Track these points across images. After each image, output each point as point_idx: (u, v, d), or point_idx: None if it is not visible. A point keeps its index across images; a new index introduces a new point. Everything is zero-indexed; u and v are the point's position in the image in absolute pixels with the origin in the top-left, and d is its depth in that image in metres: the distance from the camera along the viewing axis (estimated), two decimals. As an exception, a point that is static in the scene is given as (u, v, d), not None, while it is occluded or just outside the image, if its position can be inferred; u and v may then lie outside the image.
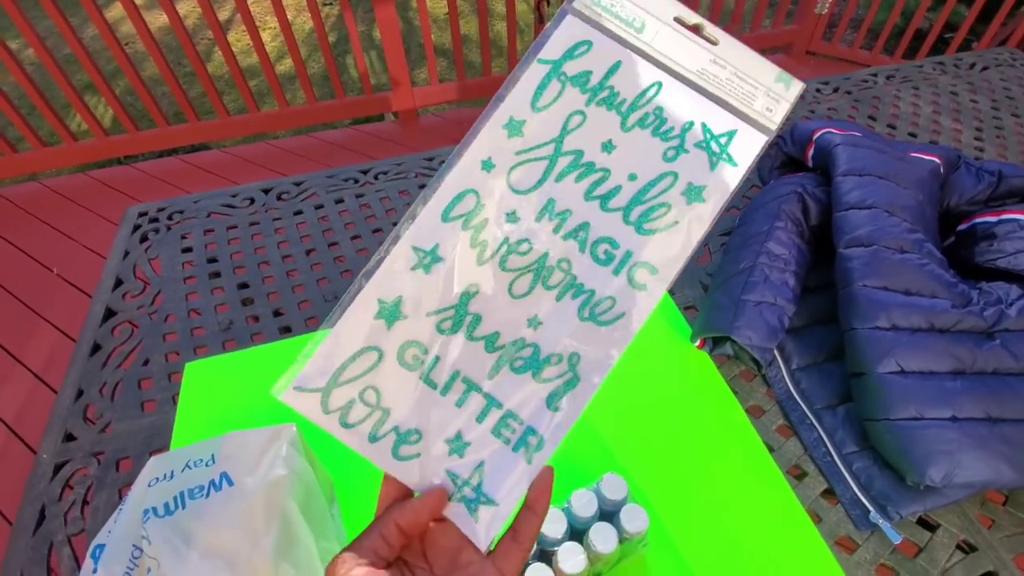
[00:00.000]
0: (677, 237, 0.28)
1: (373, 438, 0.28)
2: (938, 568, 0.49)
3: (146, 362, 0.69)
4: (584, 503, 0.44)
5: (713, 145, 0.29)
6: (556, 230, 0.29)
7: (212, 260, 0.81)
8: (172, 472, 0.44)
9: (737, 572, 0.49)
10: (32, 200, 1.99)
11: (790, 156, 0.78)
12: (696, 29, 0.29)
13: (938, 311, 0.54)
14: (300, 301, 0.74)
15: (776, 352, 0.63)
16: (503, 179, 0.29)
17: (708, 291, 0.68)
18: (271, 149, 2.22)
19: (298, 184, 0.92)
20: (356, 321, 0.28)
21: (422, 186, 0.90)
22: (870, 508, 0.51)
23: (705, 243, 0.79)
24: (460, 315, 0.28)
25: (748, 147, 0.29)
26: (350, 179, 0.92)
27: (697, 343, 0.64)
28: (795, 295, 0.62)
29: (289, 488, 0.43)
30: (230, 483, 0.43)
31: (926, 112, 1.05)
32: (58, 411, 0.64)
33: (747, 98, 0.29)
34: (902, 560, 0.50)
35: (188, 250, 0.82)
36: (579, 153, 0.29)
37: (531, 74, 0.29)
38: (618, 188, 0.29)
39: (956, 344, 0.53)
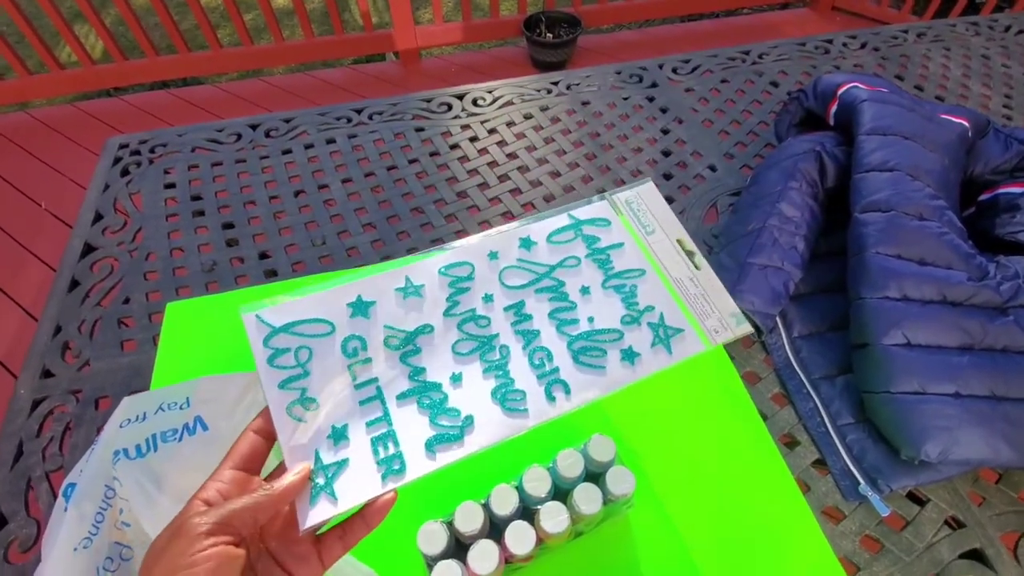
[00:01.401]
0: (599, 380, 0.33)
1: (282, 385, 0.31)
2: (924, 542, 0.49)
3: (126, 300, 0.66)
4: (570, 463, 0.43)
5: (661, 331, 0.35)
6: (513, 324, 0.34)
7: (196, 198, 0.77)
8: (145, 414, 0.43)
9: (721, 537, 0.48)
10: (18, 130, 1.91)
11: (810, 112, 0.73)
12: (689, 254, 0.37)
13: (952, 283, 0.51)
14: (287, 244, 0.71)
15: (778, 319, 0.61)
16: (497, 270, 0.36)
17: (713, 252, 0.65)
18: (266, 86, 2.12)
19: (288, 121, 0.87)
20: (333, 299, 0.33)
21: (419, 129, 0.85)
22: (860, 480, 0.51)
23: (713, 202, 0.76)
24: (408, 339, 0.33)
25: (686, 347, 0.34)
26: (343, 118, 0.87)
27: (697, 306, 0.62)
28: (803, 260, 0.59)
29: None
30: (204, 427, 0.42)
31: (956, 75, 0.99)
32: (36, 347, 0.62)
33: (703, 315, 0.36)
34: (888, 532, 0.49)
35: (171, 186, 0.79)
36: (561, 283, 0.36)
37: (558, 219, 0.38)
38: (576, 321, 0.35)
39: (967, 318, 0.50)
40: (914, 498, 0.52)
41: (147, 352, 0.61)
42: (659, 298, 0.36)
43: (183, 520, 0.25)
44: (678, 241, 0.38)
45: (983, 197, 0.63)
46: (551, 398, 0.32)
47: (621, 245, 0.37)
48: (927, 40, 1.05)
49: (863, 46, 1.03)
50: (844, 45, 1.03)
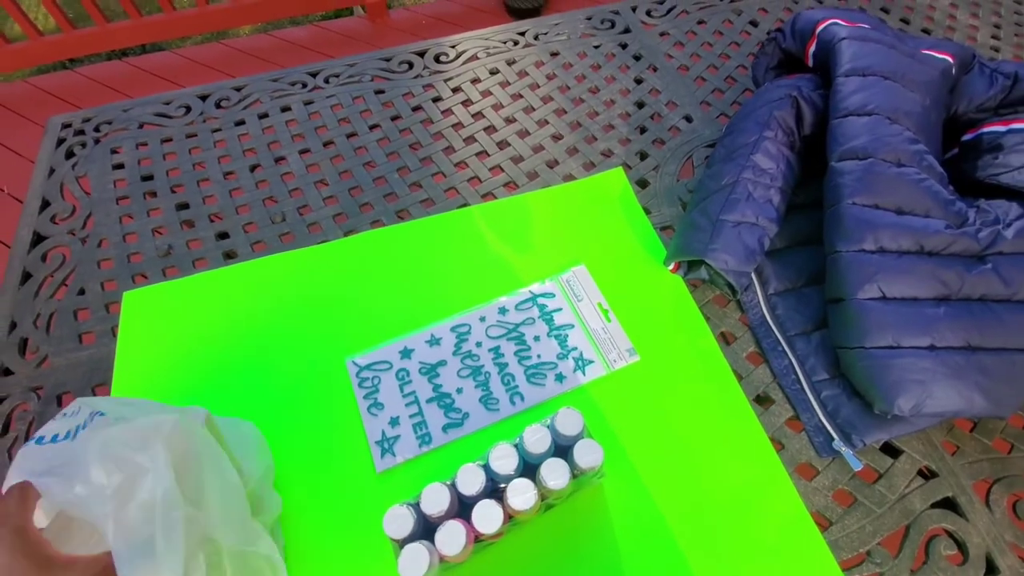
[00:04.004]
0: (542, 391, 0.54)
1: (365, 397, 0.55)
2: (896, 493, 0.49)
3: (81, 291, 0.64)
4: (537, 439, 0.42)
5: (580, 363, 0.55)
6: (493, 359, 0.56)
7: (147, 178, 0.73)
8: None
9: (694, 499, 0.48)
10: (-31, 110, 1.82)
11: (788, 54, 0.69)
12: (604, 312, 0.58)
13: (930, 232, 0.49)
14: (245, 223, 0.68)
15: (753, 276, 0.59)
16: (484, 327, 0.57)
17: (686, 209, 0.63)
18: (229, 50, 2.02)
19: (239, 89, 0.82)
20: (391, 350, 0.57)
21: (379, 91, 0.81)
22: (834, 435, 0.50)
23: (688, 155, 0.73)
24: (432, 368, 0.55)
25: (594, 371, 0.55)
26: (297, 83, 0.82)
27: (671, 267, 0.60)
28: (779, 214, 0.57)
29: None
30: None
31: (943, 5, 0.94)
32: (-10, 344, 0.60)
33: (607, 351, 0.56)
34: (860, 486, 0.49)
35: (120, 167, 0.74)
36: (523, 334, 0.57)
37: (521, 294, 0.59)
38: (529, 356, 0.56)
39: (944, 268, 0.49)
40: (889, 450, 0.51)
41: (107, 344, 0.60)
42: (580, 342, 0.56)
43: None
44: (598, 304, 0.58)
45: (966, 137, 0.60)
46: (512, 402, 0.54)
47: (560, 309, 0.58)
48: (915, -33, 0.99)
49: (848, -23, 0.97)
50: (828, -23, 0.96)
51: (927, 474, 0.50)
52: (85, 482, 0.35)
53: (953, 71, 0.61)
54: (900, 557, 0.46)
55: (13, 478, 0.35)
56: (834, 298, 0.52)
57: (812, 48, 0.64)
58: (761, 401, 0.54)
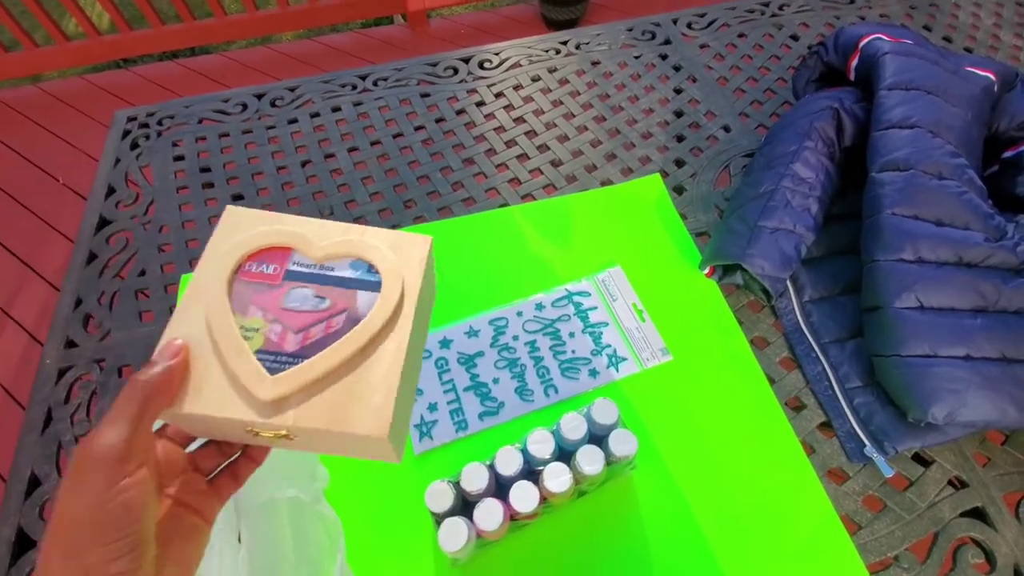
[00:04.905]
0: (575, 385, 0.56)
1: None
2: (926, 501, 0.49)
3: (142, 272, 0.68)
4: (573, 426, 0.44)
5: (613, 359, 0.57)
6: (529, 352, 0.58)
7: (205, 169, 0.78)
8: None
9: (724, 497, 0.49)
10: (31, 104, 1.93)
11: (830, 67, 0.70)
12: (639, 312, 0.60)
13: (969, 244, 0.50)
14: (296, 214, 0.71)
15: (788, 283, 0.60)
16: (521, 322, 0.59)
17: (723, 216, 0.64)
18: (273, 54, 2.10)
19: (292, 89, 0.86)
20: (432, 340, 0.60)
21: (424, 95, 0.84)
22: (865, 442, 0.51)
23: (726, 164, 0.74)
24: (470, 359, 0.58)
25: (627, 368, 0.57)
26: (347, 85, 0.86)
27: (706, 271, 0.61)
28: (816, 223, 0.58)
29: None
30: None
31: (986, 24, 0.93)
32: (58, 318, 0.64)
33: (641, 349, 0.58)
34: (891, 492, 0.50)
35: (180, 158, 0.79)
36: (558, 330, 0.59)
37: (558, 292, 0.61)
38: (564, 351, 0.58)
39: (982, 280, 0.49)
40: (919, 460, 0.52)
41: (165, 322, 0.63)
42: (614, 340, 0.58)
43: (88, 458, 0.22)
44: (632, 304, 0.60)
45: (1007, 154, 0.61)
46: (547, 394, 0.55)
47: (595, 308, 0.60)
48: (959, -14, 0.99)
49: (890, -6, 0.97)
50: (869, -6, 0.97)
51: (957, 484, 0.50)
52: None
53: (995, 88, 0.61)
54: (928, 563, 0.46)
55: None
56: (871, 306, 0.52)
57: (855, 62, 0.65)
58: (793, 406, 0.55)
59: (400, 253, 0.30)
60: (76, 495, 0.21)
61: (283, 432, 0.26)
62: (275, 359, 0.27)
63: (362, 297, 0.29)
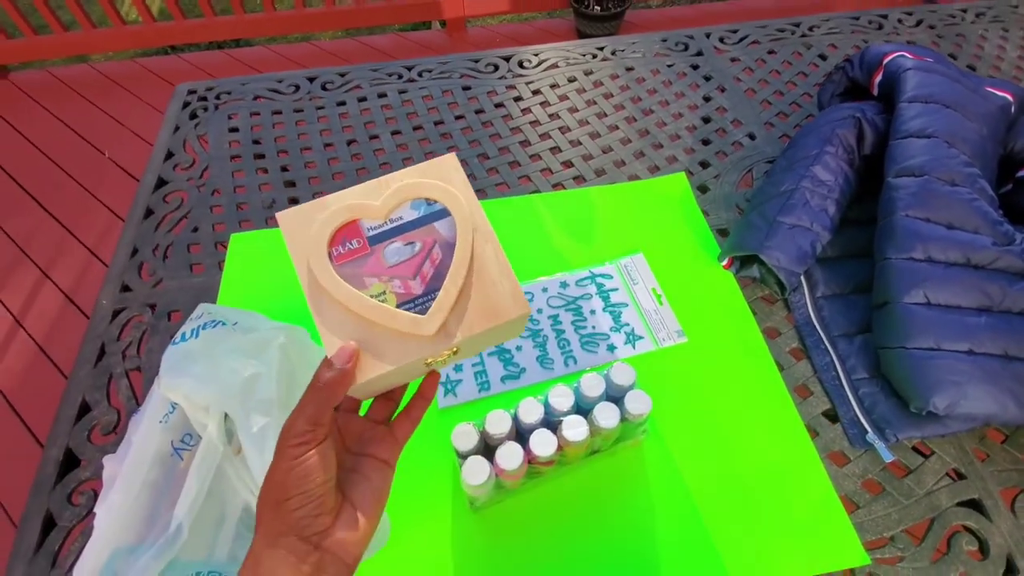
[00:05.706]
0: (593, 358, 0.59)
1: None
2: (924, 489, 0.51)
3: (195, 229, 0.73)
4: (592, 384, 0.47)
5: (630, 337, 0.61)
6: (551, 326, 0.62)
7: (256, 142, 0.83)
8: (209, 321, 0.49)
9: (729, 470, 0.52)
10: (82, 82, 2.03)
11: (855, 82, 0.74)
12: (658, 296, 0.63)
13: (977, 247, 0.53)
14: (340, 189, 0.76)
15: (803, 278, 0.63)
16: (546, 298, 0.64)
17: (744, 213, 0.68)
18: (315, 49, 2.18)
19: (343, 75, 0.91)
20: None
21: (466, 87, 0.89)
22: (868, 429, 0.53)
23: (749, 168, 0.77)
24: None
25: (644, 346, 0.60)
26: (394, 74, 0.91)
27: (724, 262, 0.64)
28: (833, 224, 0.61)
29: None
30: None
31: (1011, 56, 0.96)
32: (115, 265, 0.69)
33: (657, 330, 0.61)
34: (890, 477, 0.52)
35: (235, 130, 0.84)
36: (580, 308, 0.63)
37: (581, 272, 0.66)
38: (585, 327, 0.62)
39: (989, 281, 0.52)
40: (919, 451, 0.54)
41: (213, 276, 0.68)
42: (633, 319, 0.62)
43: (284, 439, 0.29)
44: (652, 289, 0.64)
45: (1021, 173, 0.63)
46: (566, 364, 0.59)
47: (616, 289, 0.64)
48: (986, 20, 1.03)
49: (919, 23, 1.01)
50: (899, 21, 1.01)
51: (955, 476, 0.52)
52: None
53: (1012, 109, 0.64)
54: (923, 546, 0.49)
55: (165, 375, 0.45)
56: (880, 302, 0.55)
57: (878, 78, 0.69)
58: (799, 392, 0.58)
59: (437, 176, 0.34)
60: (276, 464, 0.29)
61: (453, 350, 0.31)
62: (414, 304, 0.31)
63: (440, 225, 0.32)
